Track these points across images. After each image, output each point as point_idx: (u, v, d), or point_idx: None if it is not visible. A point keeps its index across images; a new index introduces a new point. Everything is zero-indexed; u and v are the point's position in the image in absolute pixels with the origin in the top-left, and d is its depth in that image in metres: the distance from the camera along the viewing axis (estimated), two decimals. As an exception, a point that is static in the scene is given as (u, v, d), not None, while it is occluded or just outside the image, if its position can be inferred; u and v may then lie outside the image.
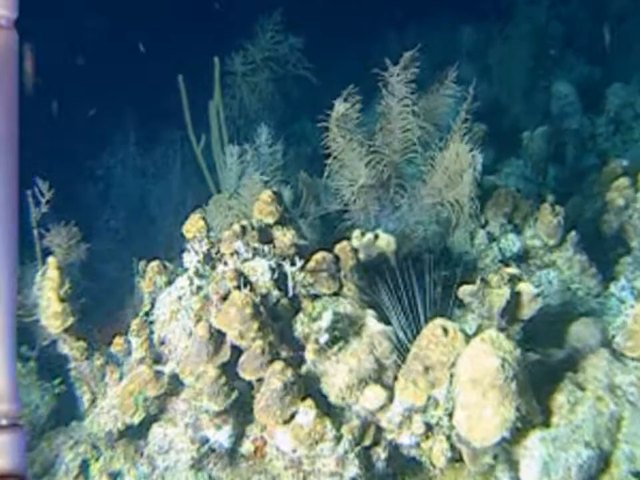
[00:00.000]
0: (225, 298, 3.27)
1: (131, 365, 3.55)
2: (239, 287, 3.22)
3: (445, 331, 3.25)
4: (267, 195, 3.50)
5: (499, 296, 3.73)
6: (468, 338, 3.22)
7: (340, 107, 3.90)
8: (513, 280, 3.92)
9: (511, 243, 4.64)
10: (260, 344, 3.10)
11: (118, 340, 3.56)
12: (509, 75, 8.56)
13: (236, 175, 5.01)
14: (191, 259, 3.40)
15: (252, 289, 3.30)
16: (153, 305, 3.71)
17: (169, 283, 3.71)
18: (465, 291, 3.83)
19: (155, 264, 3.73)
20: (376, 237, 3.80)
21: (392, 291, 3.60)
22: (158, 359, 3.52)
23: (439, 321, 3.29)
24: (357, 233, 3.83)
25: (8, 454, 1.04)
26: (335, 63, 8.94)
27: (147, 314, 3.74)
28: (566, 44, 8.87)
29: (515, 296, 3.76)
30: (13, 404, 1.07)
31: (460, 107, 4.36)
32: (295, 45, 6.69)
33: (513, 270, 3.98)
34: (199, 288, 3.35)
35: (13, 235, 1.07)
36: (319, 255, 3.44)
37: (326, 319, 3.22)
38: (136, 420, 3.41)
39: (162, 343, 3.55)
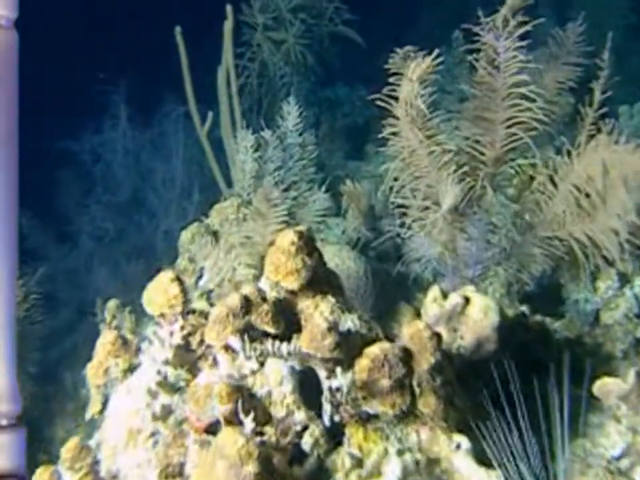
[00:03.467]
0: (211, 431, 1.87)
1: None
2: (236, 418, 1.80)
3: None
4: (288, 240, 2.03)
5: (671, 406, 2.27)
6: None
7: (421, 66, 2.41)
8: (682, 368, 2.46)
9: (653, 287, 3.13)
10: (271, 530, 1.69)
11: (44, 473, 2.17)
12: (599, 33, 6.87)
13: (251, 172, 3.55)
14: (153, 356, 1.98)
15: (259, 412, 1.87)
16: (104, 406, 2.32)
17: (131, 370, 2.30)
18: (607, 388, 2.38)
19: (109, 338, 2.31)
20: (467, 300, 2.32)
21: (497, 399, 2.16)
22: (108, 504, 2.13)
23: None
24: (435, 292, 2.36)
25: (8, 454, 1.01)
26: (374, 18, 7.35)
27: (97, 415, 2.36)
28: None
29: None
30: (13, 404, 1.03)
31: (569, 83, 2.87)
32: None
33: (682, 352, 2.50)
34: (167, 410, 1.94)
35: (13, 236, 1.07)
36: (376, 350, 1.99)
37: (390, 476, 1.80)
38: None
39: (114, 478, 2.16)
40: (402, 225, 2.86)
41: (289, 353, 1.89)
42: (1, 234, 1.06)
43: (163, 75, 4.80)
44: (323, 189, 3.95)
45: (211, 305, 2.11)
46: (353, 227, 3.28)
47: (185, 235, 3.37)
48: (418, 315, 3.60)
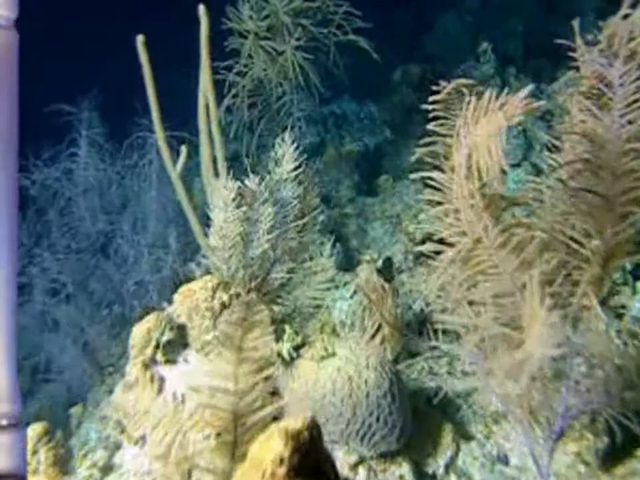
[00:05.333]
0: None
1: None
2: None
3: None
4: (273, 454, 1.08)
5: None
6: None
7: (506, 112, 1.48)
8: None
9: None
10: None
11: None
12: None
13: (233, 238, 2.60)
14: None
15: None
16: None
17: None
18: None
19: None
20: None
21: None
22: None
23: None
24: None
25: (8, 454, 1.03)
26: (384, 25, 6.41)
27: None
28: None
29: None
30: (13, 404, 1.06)
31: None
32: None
33: None
34: None
35: (13, 236, 1.08)
36: None
37: None
38: None
39: None
40: (451, 342, 1.90)
41: None
42: (1, 233, 1.04)
43: (136, 95, 3.85)
44: (328, 248, 3.03)
45: None
46: (373, 344, 2.31)
47: (139, 331, 2.40)
48: (462, 436, 2.65)
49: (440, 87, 1.85)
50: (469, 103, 1.69)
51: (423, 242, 4.31)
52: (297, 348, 2.47)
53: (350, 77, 5.46)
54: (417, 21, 6.43)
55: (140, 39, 3.14)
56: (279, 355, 2.42)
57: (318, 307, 2.90)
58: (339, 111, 6.93)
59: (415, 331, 3.78)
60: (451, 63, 5.90)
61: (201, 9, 2.79)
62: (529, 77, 5.68)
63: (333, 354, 2.48)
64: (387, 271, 4.24)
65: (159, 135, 3.31)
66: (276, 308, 2.75)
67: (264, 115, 4.13)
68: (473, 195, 1.65)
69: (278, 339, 2.48)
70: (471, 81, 1.85)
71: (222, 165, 2.95)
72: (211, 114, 3.04)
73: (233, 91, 3.92)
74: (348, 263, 4.48)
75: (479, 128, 1.57)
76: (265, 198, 2.63)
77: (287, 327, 2.50)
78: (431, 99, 1.86)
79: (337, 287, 4.02)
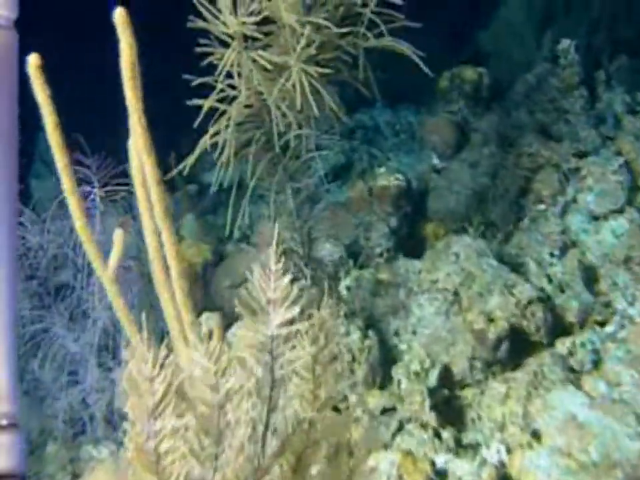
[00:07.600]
0: None
1: None
2: None
3: None
4: None
5: None
6: None
7: None
8: None
9: None
10: None
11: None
12: None
13: (170, 461, 1.28)
14: None
15: None
16: None
17: None
18: None
19: None
20: None
21: None
22: None
23: None
24: None
25: (8, 454, 1.03)
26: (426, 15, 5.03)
27: None
28: None
29: None
30: (13, 404, 1.06)
31: None
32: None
33: None
34: None
35: (13, 234, 1.07)
36: None
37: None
38: None
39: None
40: None
41: None
42: (1, 233, 1.03)
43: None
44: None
45: None
46: None
47: None
48: None
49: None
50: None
51: (499, 343, 2.85)
52: None
53: (383, 83, 4.07)
54: (469, 12, 5.03)
55: (33, 59, 1.81)
56: None
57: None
58: (369, 121, 5.52)
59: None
60: (515, 65, 4.54)
61: (118, 13, 1.42)
62: (624, 85, 4.20)
63: None
64: (442, 388, 2.90)
65: (70, 198, 1.99)
66: None
67: (260, 159, 2.79)
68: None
69: None
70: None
71: (184, 312, 1.61)
72: (151, 188, 1.71)
73: (212, 129, 2.56)
74: (384, 362, 3.15)
75: None
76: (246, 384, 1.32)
77: None
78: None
79: (372, 416, 2.73)
